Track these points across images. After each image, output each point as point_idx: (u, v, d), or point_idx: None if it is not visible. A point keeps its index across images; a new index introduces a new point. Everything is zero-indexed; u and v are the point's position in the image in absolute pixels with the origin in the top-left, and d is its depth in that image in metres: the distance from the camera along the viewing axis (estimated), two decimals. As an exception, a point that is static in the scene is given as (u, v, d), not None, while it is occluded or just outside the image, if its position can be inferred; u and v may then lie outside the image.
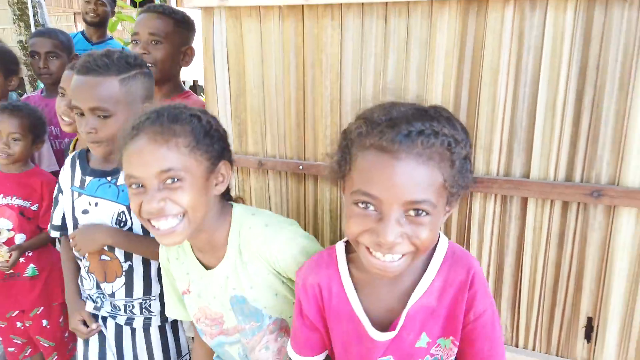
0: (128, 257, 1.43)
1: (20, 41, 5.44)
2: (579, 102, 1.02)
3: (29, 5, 5.32)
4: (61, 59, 2.52)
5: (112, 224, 1.40)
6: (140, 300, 1.48)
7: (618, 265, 1.07)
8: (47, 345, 2.10)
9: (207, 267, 1.12)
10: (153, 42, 1.66)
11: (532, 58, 1.04)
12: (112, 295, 1.46)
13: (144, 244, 1.40)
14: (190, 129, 0.98)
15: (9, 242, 1.94)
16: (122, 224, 1.40)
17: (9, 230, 1.95)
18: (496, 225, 1.15)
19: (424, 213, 0.79)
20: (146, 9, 1.74)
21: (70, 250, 1.54)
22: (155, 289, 1.47)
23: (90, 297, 1.53)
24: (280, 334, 1.16)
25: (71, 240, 1.45)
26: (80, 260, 1.50)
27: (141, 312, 1.49)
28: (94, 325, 1.49)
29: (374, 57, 1.17)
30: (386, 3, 1.13)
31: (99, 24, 3.50)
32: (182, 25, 1.72)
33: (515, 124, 1.08)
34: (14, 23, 5.47)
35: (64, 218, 1.53)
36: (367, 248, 0.83)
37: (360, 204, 0.82)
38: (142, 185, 0.97)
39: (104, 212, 1.40)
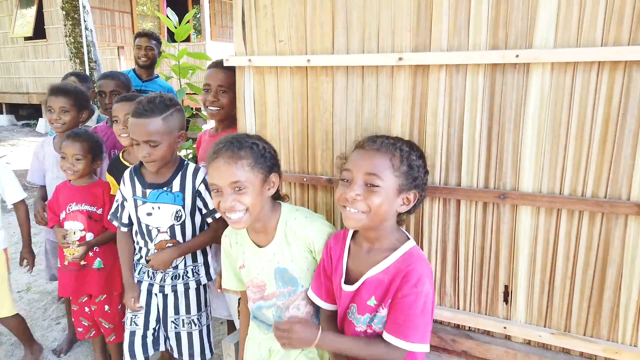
0: (184, 239, 2.06)
1: (75, 75, 6.17)
2: (489, 135, 1.51)
3: (84, 44, 6.07)
4: (122, 96, 3.13)
5: (172, 219, 2.01)
6: (192, 267, 2.14)
7: (522, 247, 1.53)
8: (107, 327, 2.63)
9: (259, 246, 1.62)
10: (221, 91, 2.15)
11: (459, 105, 1.53)
12: (176, 267, 2.10)
13: (196, 244, 2.07)
14: (251, 153, 1.45)
15: (82, 239, 2.50)
16: (179, 218, 2.02)
17: (81, 230, 2.52)
18: (440, 220, 1.63)
19: (376, 187, 1.31)
20: (214, 64, 2.20)
21: (128, 242, 2.18)
22: (200, 258, 2.16)
23: (148, 274, 2.14)
24: (308, 302, 1.62)
25: (148, 262, 2.07)
26: (148, 250, 2.08)
27: (193, 276, 2.15)
28: (137, 306, 2.11)
29: (354, 103, 1.68)
30: (363, 67, 1.64)
31: (149, 66, 4.15)
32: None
33: (450, 150, 1.57)
34: (70, 59, 6.23)
35: (129, 217, 2.13)
36: (344, 207, 1.35)
37: (343, 180, 1.37)
38: (219, 190, 1.45)
39: (166, 212, 2.01)
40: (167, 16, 5.50)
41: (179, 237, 2.05)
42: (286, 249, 1.57)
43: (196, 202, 2.04)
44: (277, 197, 1.65)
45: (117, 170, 2.54)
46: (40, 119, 12.12)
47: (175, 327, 2.16)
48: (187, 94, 5.62)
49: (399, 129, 1.62)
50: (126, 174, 2.10)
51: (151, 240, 2.07)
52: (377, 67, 1.62)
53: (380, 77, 1.63)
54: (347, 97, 1.70)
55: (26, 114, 13.39)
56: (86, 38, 6.11)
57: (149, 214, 2.02)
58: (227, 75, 2.13)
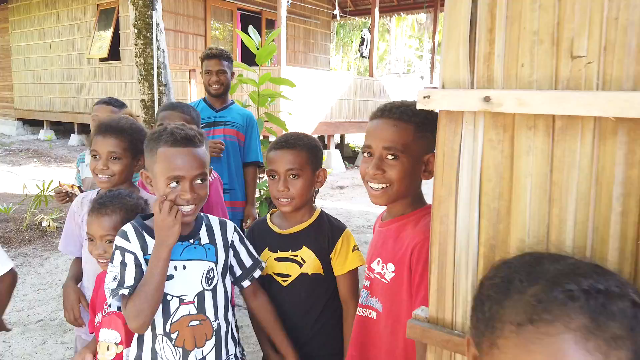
0: (216, 315, 1.50)
1: (143, 100, 5.50)
2: None
3: (155, 66, 5.38)
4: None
5: (203, 282, 1.48)
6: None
7: None
8: None
9: None
10: (389, 157, 1.25)
11: None
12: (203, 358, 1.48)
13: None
14: None
15: (118, 358, 1.57)
16: (210, 281, 1.50)
17: (117, 343, 1.58)
18: None
19: None
20: (380, 113, 1.32)
21: None
22: (230, 347, 1.56)
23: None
24: None
25: None
26: (166, 337, 1.45)
27: None
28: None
29: None
30: None
31: (222, 93, 3.27)
32: (425, 129, 1.26)
33: None
34: (139, 82, 5.56)
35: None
36: None
37: None
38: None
39: (195, 272, 1.48)
40: (249, 35, 4.71)
41: (209, 312, 1.48)
42: None
43: (229, 259, 1.58)
44: None
45: (258, 237, 1.77)
46: (108, 141, 11.89)
47: None
48: (265, 122, 4.79)
49: None
50: (128, 229, 1.48)
51: (168, 319, 1.44)
52: None
53: None
54: None
55: (96, 135, 13.28)
56: (157, 59, 5.43)
57: (170, 277, 1.44)
58: (399, 130, 1.28)
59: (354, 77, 11.28)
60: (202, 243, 1.53)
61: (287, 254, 1.68)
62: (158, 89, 5.45)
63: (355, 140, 16.39)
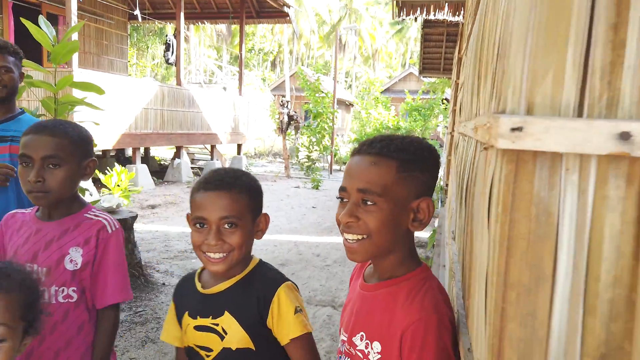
0: None
1: None
2: None
3: None
4: None
5: None
6: None
7: None
8: None
9: None
10: (365, 202, 1.13)
11: None
12: None
13: None
14: None
15: None
16: None
17: None
18: None
19: None
20: (358, 148, 1.14)
21: None
22: None
23: None
24: None
25: None
26: None
27: None
28: None
29: None
30: None
31: (5, 98, 2.41)
32: (412, 167, 1.06)
33: None
34: None
35: None
36: None
37: None
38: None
39: None
40: (40, 27, 3.75)
41: None
42: None
43: None
44: None
45: (182, 297, 1.38)
46: None
47: None
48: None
49: None
50: None
51: None
52: None
53: None
54: None
55: None
56: None
57: None
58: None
59: (161, 85, 10.39)
60: None
61: (207, 322, 1.28)
62: None
63: (162, 153, 15.22)
